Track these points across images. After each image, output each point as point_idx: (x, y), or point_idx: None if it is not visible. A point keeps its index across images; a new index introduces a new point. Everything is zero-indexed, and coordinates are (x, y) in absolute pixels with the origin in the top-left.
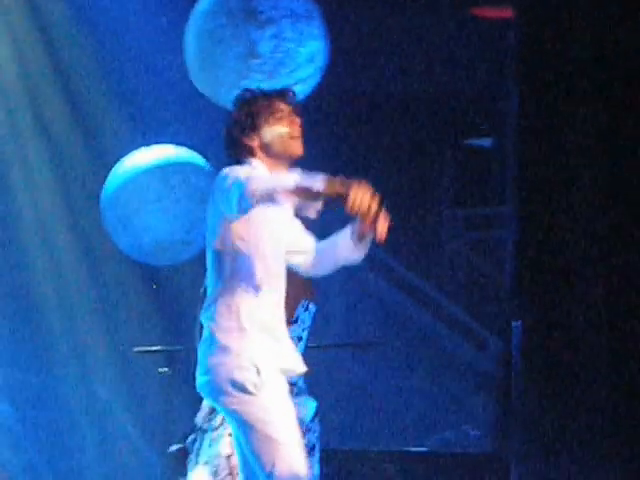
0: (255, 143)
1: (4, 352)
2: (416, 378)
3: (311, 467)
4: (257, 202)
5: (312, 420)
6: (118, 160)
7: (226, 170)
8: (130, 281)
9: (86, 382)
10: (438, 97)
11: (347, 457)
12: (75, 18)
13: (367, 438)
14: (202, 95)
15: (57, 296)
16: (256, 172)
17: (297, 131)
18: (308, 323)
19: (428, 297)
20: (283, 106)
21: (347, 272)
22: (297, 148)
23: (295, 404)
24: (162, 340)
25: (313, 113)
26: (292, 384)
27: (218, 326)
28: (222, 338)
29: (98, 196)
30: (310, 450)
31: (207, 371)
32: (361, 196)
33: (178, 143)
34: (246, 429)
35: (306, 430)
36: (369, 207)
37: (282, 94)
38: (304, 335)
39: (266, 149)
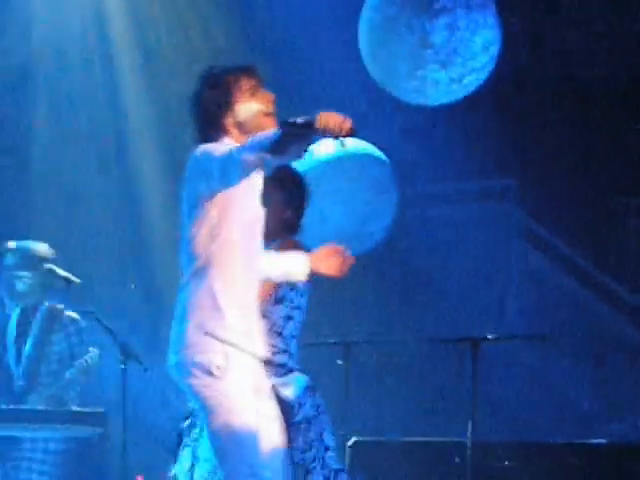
0: (229, 121)
1: None
2: (590, 369)
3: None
4: (254, 167)
5: (304, 394)
6: None
7: (201, 148)
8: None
9: None
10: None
11: (529, 450)
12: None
13: (546, 430)
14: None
15: None
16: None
17: (270, 107)
18: (298, 302)
19: (604, 286)
20: (252, 81)
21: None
22: (271, 124)
23: (282, 384)
24: (337, 332)
25: (489, 101)
26: (281, 365)
27: (193, 305)
28: (196, 317)
29: None
30: (305, 423)
31: (177, 351)
32: (330, 117)
33: (357, 136)
34: (208, 415)
35: (298, 405)
36: (341, 124)
37: (248, 70)
38: (295, 314)
39: (240, 127)
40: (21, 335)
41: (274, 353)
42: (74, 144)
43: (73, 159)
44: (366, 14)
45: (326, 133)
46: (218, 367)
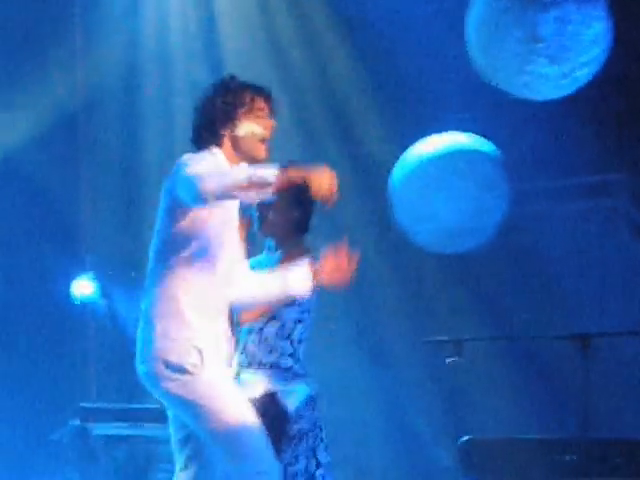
0: (227, 132)
1: None
2: None
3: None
4: (213, 200)
5: (304, 406)
6: (406, 148)
7: (186, 158)
8: (420, 270)
9: (375, 373)
10: None
11: None
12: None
13: None
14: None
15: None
16: (214, 166)
17: (268, 135)
18: (308, 305)
19: None
20: (264, 105)
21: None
22: (262, 152)
23: (284, 392)
24: (450, 330)
25: (598, 94)
26: (287, 369)
27: (157, 312)
28: (161, 324)
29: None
30: (298, 437)
31: (144, 360)
32: (321, 179)
33: (463, 130)
34: (194, 411)
35: (296, 417)
36: (330, 190)
37: (263, 93)
38: (305, 317)
39: (234, 142)
40: None
41: (280, 356)
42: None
43: None
44: (475, 9)
45: (315, 195)
46: (193, 365)
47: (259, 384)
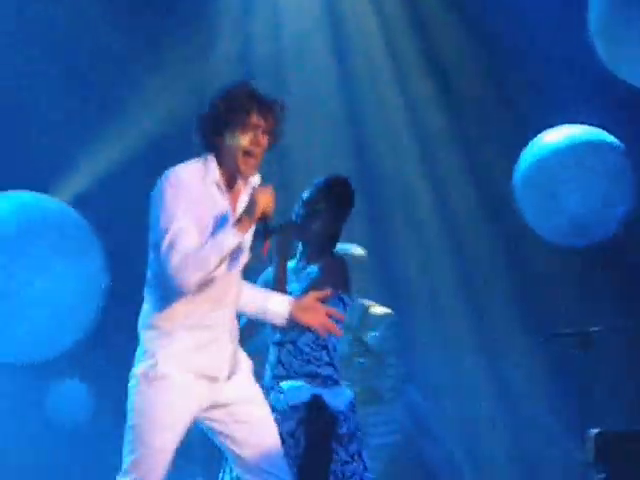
0: (219, 140)
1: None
2: None
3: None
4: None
5: (349, 409)
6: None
7: (156, 203)
8: (542, 263)
9: (496, 369)
10: None
11: None
12: None
13: None
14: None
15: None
16: (180, 236)
17: (255, 151)
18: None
19: None
20: (259, 122)
21: None
22: (247, 167)
23: (330, 394)
24: (577, 322)
25: None
26: (327, 377)
27: (142, 325)
28: (145, 338)
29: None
30: (348, 437)
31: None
32: (264, 200)
33: (588, 122)
34: (128, 416)
35: (344, 418)
36: (269, 207)
37: (265, 108)
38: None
39: (224, 151)
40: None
41: (319, 366)
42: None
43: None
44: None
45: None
46: (145, 375)
47: (304, 390)
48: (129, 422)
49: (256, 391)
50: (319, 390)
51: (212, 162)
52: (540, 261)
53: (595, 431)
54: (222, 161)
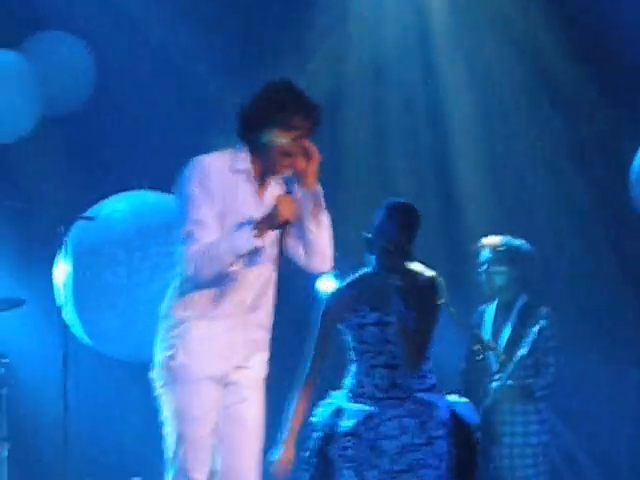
0: (256, 135)
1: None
2: None
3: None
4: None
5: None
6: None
7: (178, 198)
8: None
9: (616, 365)
10: None
11: None
12: None
13: None
14: None
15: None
16: (198, 227)
17: (293, 153)
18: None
19: None
20: (301, 123)
21: None
22: (283, 167)
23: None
24: None
25: None
26: (434, 385)
27: (161, 314)
28: (162, 325)
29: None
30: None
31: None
32: (286, 209)
33: None
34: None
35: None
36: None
37: (304, 111)
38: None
39: (258, 147)
40: (498, 330)
41: (428, 375)
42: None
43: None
44: None
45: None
46: (169, 368)
47: (438, 407)
48: (162, 415)
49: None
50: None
51: (245, 154)
52: None
53: None
54: (256, 155)
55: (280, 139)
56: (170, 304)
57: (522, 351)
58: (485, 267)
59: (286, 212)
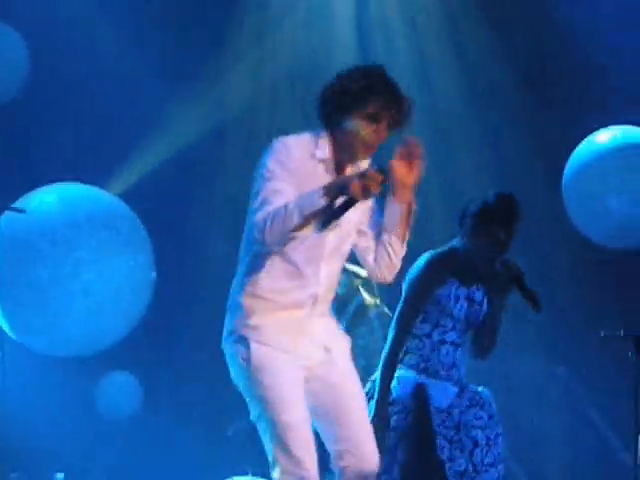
0: (339, 120)
1: None
2: None
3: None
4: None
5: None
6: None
7: (257, 176)
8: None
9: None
10: None
11: None
12: None
13: None
14: None
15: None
16: (274, 195)
17: (375, 143)
18: None
19: None
20: (386, 115)
21: None
22: (361, 154)
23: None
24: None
25: None
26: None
27: (231, 295)
28: (231, 307)
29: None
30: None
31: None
32: (356, 185)
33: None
34: (249, 406)
35: (447, 415)
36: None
37: (399, 102)
38: None
39: (339, 133)
40: None
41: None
42: None
43: None
44: None
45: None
46: (242, 356)
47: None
48: (254, 411)
49: (350, 367)
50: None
51: (325, 139)
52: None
53: None
54: (337, 139)
55: (365, 129)
56: (238, 294)
57: None
58: None
59: (357, 190)
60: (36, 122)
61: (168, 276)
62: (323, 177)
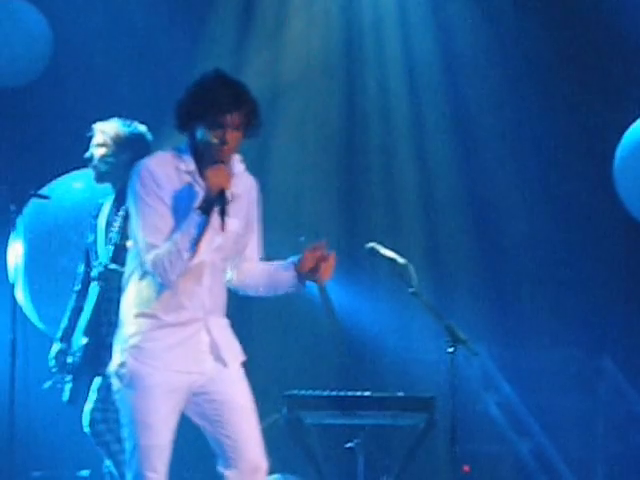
0: (192, 129)
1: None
2: None
3: None
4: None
5: None
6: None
7: (131, 207)
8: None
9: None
10: None
11: None
12: None
13: None
14: None
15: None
16: (153, 233)
17: (224, 147)
18: None
19: None
20: (227, 119)
21: None
22: (220, 157)
23: None
24: None
25: None
26: None
27: (120, 322)
28: (119, 336)
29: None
30: None
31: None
32: (216, 175)
33: None
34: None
35: None
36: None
37: (236, 103)
38: None
39: (196, 143)
40: (112, 221)
41: None
42: None
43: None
44: None
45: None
46: (118, 375)
47: None
48: (121, 419)
49: (241, 376)
50: None
51: (186, 152)
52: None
53: None
54: (197, 149)
55: (213, 137)
56: (127, 312)
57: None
58: (90, 152)
59: (217, 180)
60: (62, 105)
61: None
62: (192, 187)
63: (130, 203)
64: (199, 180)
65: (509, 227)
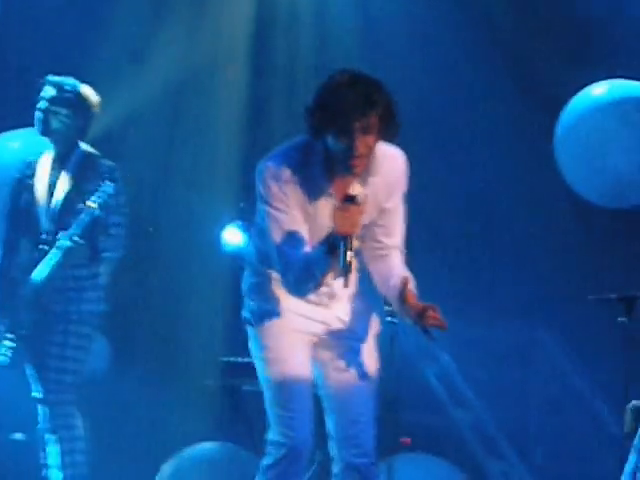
0: (324, 136)
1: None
2: None
3: None
4: None
5: None
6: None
7: (257, 190)
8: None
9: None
10: None
11: None
12: None
13: None
14: None
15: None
16: (283, 239)
17: (356, 153)
18: None
19: None
20: (357, 124)
21: None
22: (353, 166)
23: None
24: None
25: None
26: None
27: (247, 266)
28: (249, 281)
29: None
30: None
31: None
32: (344, 219)
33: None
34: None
35: None
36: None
37: (365, 104)
38: None
39: (328, 149)
40: (54, 183)
41: None
42: None
43: None
44: None
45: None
46: (251, 312)
47: None
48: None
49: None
50: None
51: (320, 145)
52: (581, 224)
53: (634, 403)
54: (328, 155)
55: (339, 144)
56: (255, 266)
57: (93, 206)
58: (45, 104)
59: (342, 226)
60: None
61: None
62: (320, 181)
63: (257, 196)
64: (324, 173)
65: (443, 196)
